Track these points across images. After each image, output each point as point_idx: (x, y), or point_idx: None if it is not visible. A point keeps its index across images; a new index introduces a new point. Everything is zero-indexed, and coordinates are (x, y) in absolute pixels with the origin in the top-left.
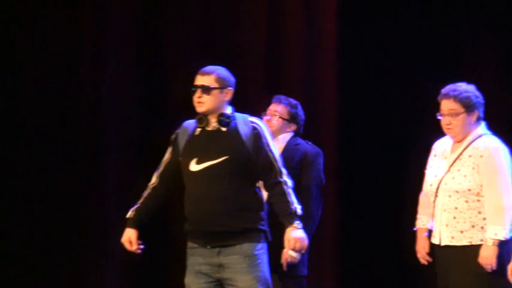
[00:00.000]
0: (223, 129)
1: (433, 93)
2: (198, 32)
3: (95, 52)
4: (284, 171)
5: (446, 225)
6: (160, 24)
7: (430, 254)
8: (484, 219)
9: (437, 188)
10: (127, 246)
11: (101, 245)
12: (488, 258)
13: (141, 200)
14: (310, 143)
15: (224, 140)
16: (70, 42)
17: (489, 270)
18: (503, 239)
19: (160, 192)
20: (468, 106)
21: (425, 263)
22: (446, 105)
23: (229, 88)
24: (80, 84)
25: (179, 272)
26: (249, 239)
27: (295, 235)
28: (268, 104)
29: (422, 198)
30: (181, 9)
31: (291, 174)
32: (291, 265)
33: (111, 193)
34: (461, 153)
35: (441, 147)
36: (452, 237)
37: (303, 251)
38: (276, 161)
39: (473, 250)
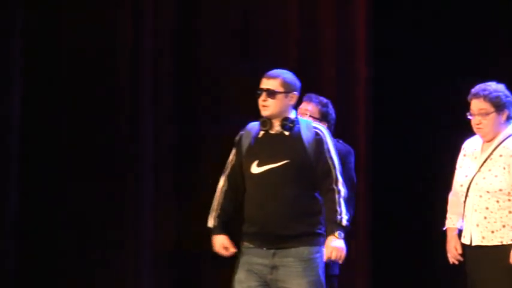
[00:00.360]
0: (286, 133)
1: (463, 93)
2: (235, 34)
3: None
4: (341, 179)
5: (477, 225)
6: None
7: (461, 254)
8: None
9: (468, 188)
10: (223, 252)
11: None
12: None
13: (216, 207)
14: (341, 141)
15: (286, 144)
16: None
17: None
18: None
19: (232, 194)
20: (498, 105)
21: (456, 262)
22: (476, 104)
23: (294, 92)
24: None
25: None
26: (306, 242)
27: (334, 244)
28: (300, 102)
29: (452, 198)
30: (219, 16)
31: None
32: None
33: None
34: (491, 153)
35: (471, 147)
36: (483, 237)
37: (340, 261)
38: (334, 168)
39: (504, 250)
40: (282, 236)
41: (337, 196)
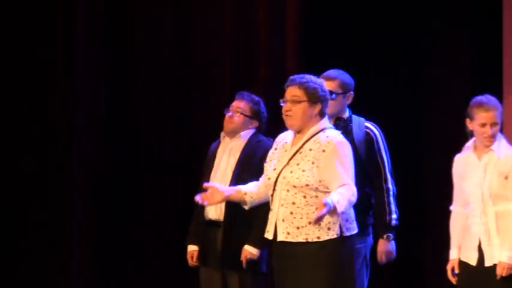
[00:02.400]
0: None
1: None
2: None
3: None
4: (390, 178)
5: (283, 221)
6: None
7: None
8: None
9: (276, 182)
10: None
11: None
12: None
13: None
14: (272, 139)
15: None
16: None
17: None
18: None
19: None
20: (312, 97)
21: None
22: (291, 91)
23: (351, 92)
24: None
25: None
26: None
27: (384, 248)
28: (232, 100)
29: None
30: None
31: (252, 171)
32: (251, 262)
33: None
34: (301, 147)
35: (282, 140)
36: (288, 233)
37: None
38: (385, 167)
39: (309, 247)
40: None
41: (386, 195)
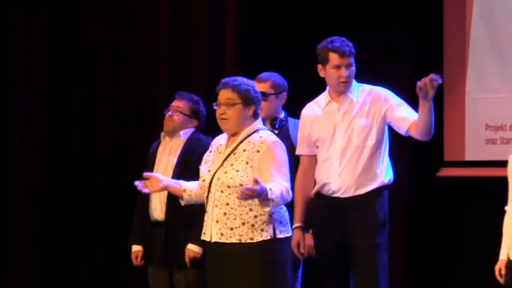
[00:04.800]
0: (276, 131)
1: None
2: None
3: None
4: None
5: (217, 222)
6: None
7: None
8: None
9: (210, 183)
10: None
11: None
12: None
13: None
14: (211, 138)
15: None
16: None
17: None
18: None
19: None
20: (246, 99)
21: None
22: (224, 94)
23: (284, 93)
24: None
25: None
26: None
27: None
28: (172, 99)
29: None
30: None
31: (192, 169)
32: (194, 260)
33: None
34: (235, 148)
35: (217, 143)
36: (222, 234)
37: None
38: None
39: (242, 248)
40: None
41: None
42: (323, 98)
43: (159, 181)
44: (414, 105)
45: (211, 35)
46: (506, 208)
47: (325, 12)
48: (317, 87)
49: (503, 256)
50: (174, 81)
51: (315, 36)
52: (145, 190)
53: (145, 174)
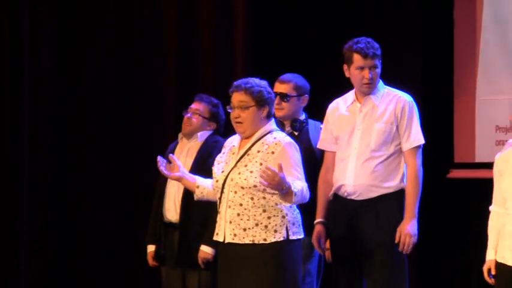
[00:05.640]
0: (296, 133)
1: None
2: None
3: None
4: None
5: (230, 222)
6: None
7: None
8: None
9: (224, 184)
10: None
11: None
12: None
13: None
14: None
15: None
16: None
17: None
18: None
19: None
20: (259, 100)
21: None
22: (237, 97)
23: (306, 95)
24: None
25: None
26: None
27: None
28: (180, 101)
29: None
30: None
31: (208, 171)
32: (207, 261)
33: None
34: (249, 149)
35: (230, 144)
36: (235, 235)
37: None
38: None
39: (255, 249)
40: None
41: None
42: (350, 95)
43: (178, 169)
44: (422, 106)
45: (220, 35)
46: (491, 208)
47: (336, 12)
48: (324, 88)
49: (490, 256)
50: (183, 83)
51: (326, 36)
52: (163, 169)
53: (171, 156)
